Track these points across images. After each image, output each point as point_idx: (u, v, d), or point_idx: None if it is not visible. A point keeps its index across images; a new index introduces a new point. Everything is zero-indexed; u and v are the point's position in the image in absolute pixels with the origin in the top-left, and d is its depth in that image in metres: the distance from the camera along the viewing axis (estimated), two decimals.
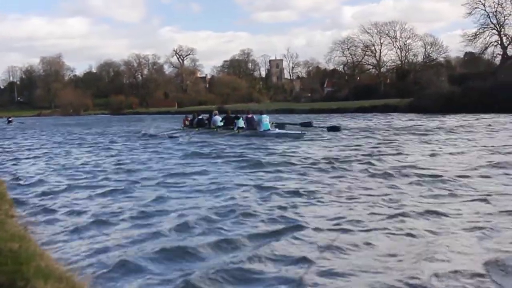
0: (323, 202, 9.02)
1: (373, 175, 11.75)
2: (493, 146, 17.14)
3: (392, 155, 15.41)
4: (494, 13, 79.93)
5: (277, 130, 25.34)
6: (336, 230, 7.11)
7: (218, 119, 28.97)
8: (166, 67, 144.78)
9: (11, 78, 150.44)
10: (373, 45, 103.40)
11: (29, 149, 23.53)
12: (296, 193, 9.81)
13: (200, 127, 30.05)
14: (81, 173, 14.12)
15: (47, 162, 17.49)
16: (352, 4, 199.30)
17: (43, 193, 10.87)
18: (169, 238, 7.01)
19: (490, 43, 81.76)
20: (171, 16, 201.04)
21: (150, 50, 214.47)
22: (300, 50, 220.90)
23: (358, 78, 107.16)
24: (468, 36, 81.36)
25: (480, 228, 6.97)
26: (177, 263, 5.98)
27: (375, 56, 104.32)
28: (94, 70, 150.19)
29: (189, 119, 32.67)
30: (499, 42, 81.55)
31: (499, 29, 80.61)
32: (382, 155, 15.56)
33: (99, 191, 10.97)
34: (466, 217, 7.63)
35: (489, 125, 27.55)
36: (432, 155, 15.42)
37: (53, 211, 8.97)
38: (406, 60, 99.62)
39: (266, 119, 25.52)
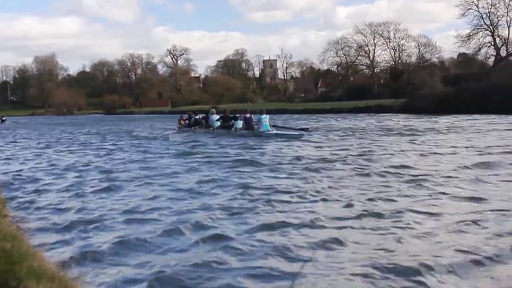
0: (312, 200, 9.12)
1: (355, 175, 11.91)
2: (479, 147, 17.25)
3: (381, 155, 15.53)
4: (488, 14, 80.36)
5: (275, 131, 24.86)
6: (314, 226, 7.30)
7: (215, 118, 28.28)
8: (160, 66, 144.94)
9: (4, 78, 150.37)
10: (367, 46, 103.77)
11: (22, 148, 23.49)
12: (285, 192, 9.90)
13: (196, 127, 29.41)
14: (73, 172, 14.13)
15: (39, 161, 17.48)
16: (346, 4, 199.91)
17: (36, 192, 10.88)
18: (161, 237, 7.06)
19: (484, 44, 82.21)
20: (165, 16, 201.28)
21: (144, 50, 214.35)
22: (294, 50, 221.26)
23: (352, 79, 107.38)
24: (462, 37, 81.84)
25: (459, 226, 7.14)
26: (169, 261, 6.01)
27: (369, 57, 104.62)
28: (87, 70, 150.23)
29: (184, 118, 31.99)
30: (493, 43, 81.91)
31: (492, 30, 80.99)
32: (371, 155, 15.70)
33: (91, 190, 11.02)
34: (446, 215, 7.80)
35: (479, 126, 27.68)
36: (417, 155, 15.62)
37: (46, 210, 8.97)
38: (399, 61, 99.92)
39: (266, 120, 25.01)
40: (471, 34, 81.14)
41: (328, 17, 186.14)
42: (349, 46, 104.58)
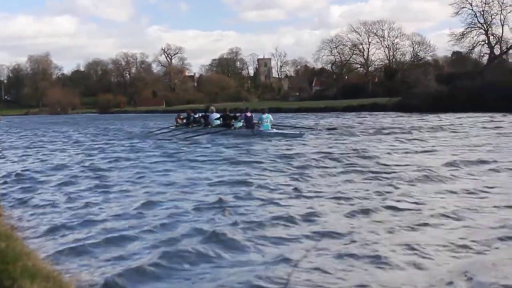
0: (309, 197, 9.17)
1: (343, 173, 12.13)
2: (467, 145, 17.35)
3: (372, 153, 15.70)
4: (482, 13, 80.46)
5: (275, 130, 24.44)
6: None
7: (215, 117, 27.66)
8: (154, 66, 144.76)
9: None
10: (361, 44, 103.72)
11: (15, 148, 23.43)
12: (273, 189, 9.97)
13: (194, 125, 28.72)
14: (66, 170, 14.20)
15: (32, 160, 17.51)
16: (340, 3, 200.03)
17: (30, 191, 10.90)
18: (154, 232, 7.16)
19: (477, 43, 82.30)
20: (159, 16, 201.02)
21: (138, 49, 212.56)
22: (289, 49, 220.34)
23: (346, 77, 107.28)
24: (456, 36, 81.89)
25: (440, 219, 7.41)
26: (164, 261, 6.00)
27: (363, 55, 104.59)
28: (82, 69, 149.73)
29: (182, 117, 31.32)
30: (486, 41, 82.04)
31: (486, 29, 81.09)
32: (367, 152, 15.87)
33: (85, 188, 11.10)
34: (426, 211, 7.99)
35: (471, 124, 27.76)
36: (402, 153, 15.83)
37: (40, 209, 9.00)
38: (394, 59, 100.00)
39: (267, 120, 24.45)
40: (465, 32, 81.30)
41: (322, 16, 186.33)
42: (343, 45, 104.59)
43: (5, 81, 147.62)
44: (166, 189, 10.68)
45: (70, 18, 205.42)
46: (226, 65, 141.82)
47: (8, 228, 6.50)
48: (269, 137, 22.91)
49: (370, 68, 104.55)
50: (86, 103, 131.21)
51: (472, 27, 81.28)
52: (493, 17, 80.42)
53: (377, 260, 5.79)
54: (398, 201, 8.76)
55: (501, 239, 6.46)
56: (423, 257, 5.87)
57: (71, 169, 14.40)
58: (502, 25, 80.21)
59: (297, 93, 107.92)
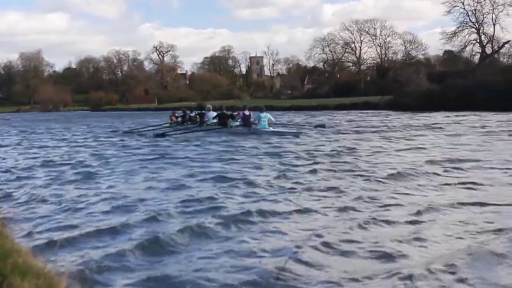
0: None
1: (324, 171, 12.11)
2: (452, 144, 17.38)
3: (358, 151, 15.87)
4: (473, 12, 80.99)
5: (271, 129, 24.07)
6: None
7: (211, 115, 26.97)
8: (146, 63, 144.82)
9: None
10: (353, 43, 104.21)
11: (3, 146, 23.39)
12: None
13: (189, 124, 28.12)
14: (56, 167, 14.23)
15: (23, 157, 17.46)
16: (333, 2, 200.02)
17: (20, 187, 10.91)
18: (143, 227, 7.23)
19: (469, 42, 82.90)
20: (151, 13, 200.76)
21: (130, 47, 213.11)
22: (281, 47, 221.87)
23: (338, 76, 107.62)
24: (447, 34, 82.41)
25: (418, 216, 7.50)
26: (153, 256, 6.07)
27: (355, 54, 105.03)
28: (73, 66, 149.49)
29: (176, 115, 31.00)
30: (478, 40, 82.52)
31: (478, 28, 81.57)
32: (353, 150, 16.07)
33: (74, 184, 11.16)
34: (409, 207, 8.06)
35: (460, 123, 27.90)
36: (388, 151, 15.97)
37: (30, 205, 9.00)
38: (386, 58, 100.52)
39: (264, 119, 24.11)
40: (457, 31, 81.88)
41: (315, 15, 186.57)
42: (335, 43, 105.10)
43: None
44: (155, 184, 10.78)
45: (61, 14, 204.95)
46: (218, 63, 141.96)
47: None
48: (265, 135, 22.69)
49: (362, 67, 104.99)
50: (78, 100, 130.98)
51: (464, 26, 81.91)
52: (484, 16, 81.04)
53: (355, 254, 5.97)
54: (378, 197, 8.91)
55: (475, 232, 6.65)
56: (396, 250, 5.99)
57: (60, 166, 14.39)
58: (494, 24, 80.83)
59: (289, 91, 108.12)
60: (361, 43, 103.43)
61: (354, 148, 16.63)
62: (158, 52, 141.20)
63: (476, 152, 14.94)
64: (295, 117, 44.37)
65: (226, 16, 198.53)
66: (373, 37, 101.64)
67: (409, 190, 9.48)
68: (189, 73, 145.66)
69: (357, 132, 24.23)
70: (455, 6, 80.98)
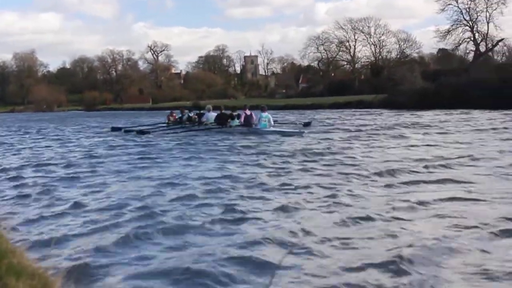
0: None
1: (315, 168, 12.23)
2: (444, 142, 17.50)
3: (349, 150, 16.02)
4: (467, 10, 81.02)
5: (272, 129, 23.69)
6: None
7: (211, 115, 26.54)
8: (140, 63, 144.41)
9: None
10: (348, 41, 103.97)
11: None
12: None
13: (187, 124, 27.55)
14: (49, 166, 14.28)
15: (16, 157, 17.46)
16: (326, 0, 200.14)
17: (13, 188, 10.91)
18: (135, 227, 7.22)
19: (463, 40, 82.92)
20: (145, 12, 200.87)
21: (124, 46, 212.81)
22: (275, 46, 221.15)
23: (332, 74, 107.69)
24: (441, 32, 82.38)
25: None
26: (146, 253, 6.09)
27: (349, 52, 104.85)
28: (68, 66, 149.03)
29: (174, 115, 30.58)
30: (472, 38, 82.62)
31: (471, 26, 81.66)
32: (344, 148, 16.19)
33: (68, 183, 11.21)
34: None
35: (452, 121, 28.02)
36: (380, 148, 16.12)
37: (24, 205, 9.00)
38: (380, 56, 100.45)
39: (265, 119, 23.82)
40: (451, 29, 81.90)
41: (308, 13, 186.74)
42: (330, 42, 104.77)
43: None
44: (148, 183, 10.86)
45: (56, 14, 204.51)
46: (213, 62, 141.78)
47: None
48: (265, 134, 22.42)
49: (356, 65, 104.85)
50: (72, 100, 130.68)
51: (457, 24, 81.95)
52: (478, 14, 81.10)
53: (343, 248, 6.10)
54: (363, 194, 9.04)
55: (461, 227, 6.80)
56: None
57: (53, 165, 14.42)
58: (488, 22, 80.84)
59: (284, 90, 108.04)
60: (355, 41, 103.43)
61: (346, 147, 16.70)
62: (152, 52, 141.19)
63: (464, 149, 15.13)
64: (289, 116, 44.32)
65: (219, 15, 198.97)
66: (367, 36, 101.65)
67: (396, 187, 9.59)
68: (183, 72, 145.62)
69: (349, 130, 24.30)
70: (449, 4, 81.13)
